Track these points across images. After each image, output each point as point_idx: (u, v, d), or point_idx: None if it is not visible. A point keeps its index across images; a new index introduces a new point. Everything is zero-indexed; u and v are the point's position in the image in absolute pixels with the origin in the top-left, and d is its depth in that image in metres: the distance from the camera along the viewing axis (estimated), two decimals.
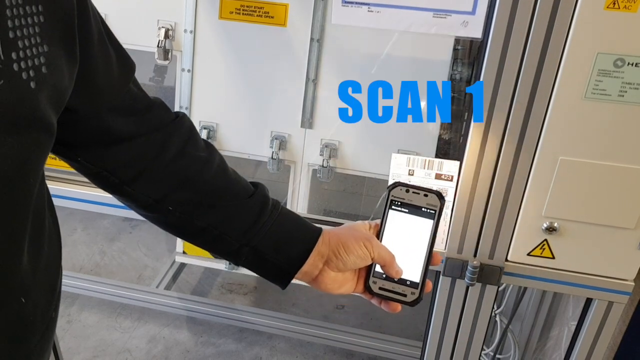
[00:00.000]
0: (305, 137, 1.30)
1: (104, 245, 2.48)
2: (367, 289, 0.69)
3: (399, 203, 0.68)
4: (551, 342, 1.58)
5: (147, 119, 0.66)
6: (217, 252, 0.70)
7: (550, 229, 1.03)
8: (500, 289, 1.46)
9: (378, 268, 0.69)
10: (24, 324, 0.54)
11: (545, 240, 1.05)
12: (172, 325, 2.06)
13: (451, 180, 1.09)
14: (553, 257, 1.07)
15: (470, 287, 1.12)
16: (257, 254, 0.68)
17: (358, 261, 0.67)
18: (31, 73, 0.47)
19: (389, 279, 0.68)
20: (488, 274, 1.10)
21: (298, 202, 1.37)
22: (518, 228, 1.05)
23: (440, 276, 1.13)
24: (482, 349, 1.23)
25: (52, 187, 1.26)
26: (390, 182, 1.14)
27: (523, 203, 1.03)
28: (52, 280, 0.61)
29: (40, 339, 0.58)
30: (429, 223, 0.67)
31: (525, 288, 1.46)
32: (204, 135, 1.32)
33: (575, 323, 1.18)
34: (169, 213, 0.67)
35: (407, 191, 0.68)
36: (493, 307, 1.16)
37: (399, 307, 0.69)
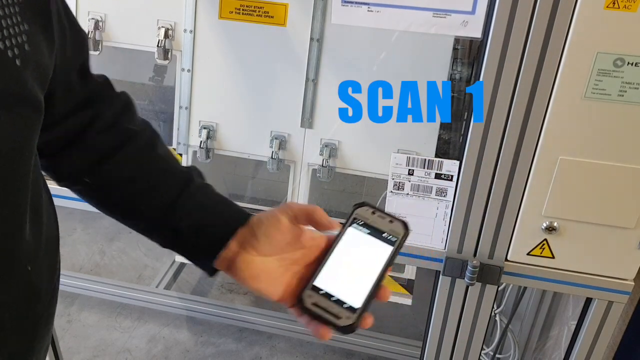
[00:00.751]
0: (305, 137, 1.30)
1: (104, 245, 2.48)
2: (299, 301, 0.60)
3: (362, 222, 0.63)
4: (551, 341, 1.58)
5: (86, 98, 0.65)
6: (136, 228, 0.67)
7: (550, 229, 1.03)
8: (500, 288, 1.46)
9: (317, 282, 0.61)
10: (32, 288, 0.56)
11: (545, 239, 1.05)
12: (172, 325, 2.06)
13: (451, 180, 1.09)
14: (553, 257, 1.07)
15: (470, 287, 1.12)
16: (176, 233, 0.64)
17: (271, 229, 0.59)
18: (16, 51, 0.47)
19: (326, 295, 0.59)
20: (488, 274, 1.10)
21: (298, 201, 1.37)
22: (518, 228, 1.05)
23: (440, 276, 1.13)
24: (482, 349, 1.23)
25: (52, 187, 1.26)
26: (390, 182, 1.14)
27: (523, 203, 1.03)
28: (52, 250, 0.62)
29: (47, 307, 0.60)
30: (387, 250, 0.61)
31: (525, 288, 1.46)
32: (203, 135, 1.32)
33: (575, 322, 1.18)
34: (86, 185, 0.66)
35: (373, 213, 0.63)
36: (493, 307, 1.16)
37: (328, 333, 0.57)
